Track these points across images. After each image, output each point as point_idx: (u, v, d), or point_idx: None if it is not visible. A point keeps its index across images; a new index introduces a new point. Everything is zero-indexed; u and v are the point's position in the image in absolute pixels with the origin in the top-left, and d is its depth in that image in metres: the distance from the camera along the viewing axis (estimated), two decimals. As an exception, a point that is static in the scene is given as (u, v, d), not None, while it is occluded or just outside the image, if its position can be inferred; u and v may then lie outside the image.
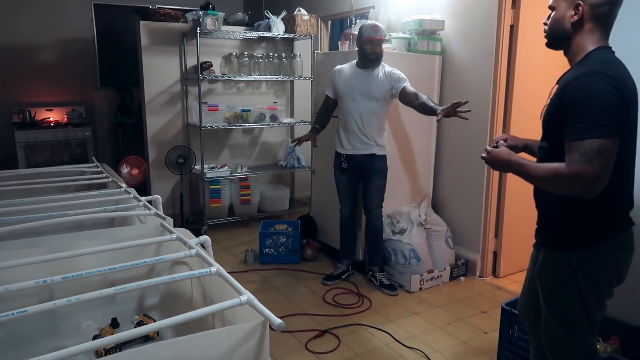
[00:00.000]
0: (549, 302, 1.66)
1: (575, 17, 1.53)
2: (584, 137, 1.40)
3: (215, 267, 1.62)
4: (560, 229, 1.62)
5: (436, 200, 3.96)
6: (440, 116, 2.86)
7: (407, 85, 3.19)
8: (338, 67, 3.37)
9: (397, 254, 3.49)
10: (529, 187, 3.98)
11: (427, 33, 3.70)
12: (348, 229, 3.58)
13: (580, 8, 1.52)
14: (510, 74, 3.45)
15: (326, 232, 4.09)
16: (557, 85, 1.61)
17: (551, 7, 1.60)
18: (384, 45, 3.35)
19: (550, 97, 1.62)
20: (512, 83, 3.45)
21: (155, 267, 2.14)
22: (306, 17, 4.77)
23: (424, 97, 3.07)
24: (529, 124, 3.60)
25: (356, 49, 3.29)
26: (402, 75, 3.23)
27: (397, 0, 4.13)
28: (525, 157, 1.64)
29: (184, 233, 2.04)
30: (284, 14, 4.78)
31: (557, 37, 1.61)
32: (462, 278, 3.65)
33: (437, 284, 3.52)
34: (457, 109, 2.75)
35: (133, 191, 2.68)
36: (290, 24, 4.77)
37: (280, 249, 3.88)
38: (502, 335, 2.46)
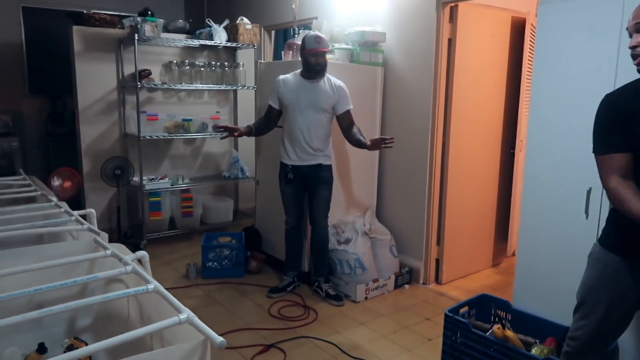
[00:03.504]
0: None
1: None
2: None
3: (153, 284, 1.54)
4: None
5: (380, 209, 4.00)
6: (369, 146, 3.15)
7: (350, 111, 3.28)
8: (282, 76, 3.33)
9: (342, 264, 3.49)
10: (469, 196, 4.08)
11: (369, 45, 3.75)
12: (294, 239, 3.54)
13: None
14: (450, 85, 3.56)
15: (271, 244, 4.03)
16: None
17: None
18: (327, 57, 3.37)
19: None
20: (451, 93, 3.56)
21: (88, 285, 2.02)
22: (249, 27, 4.73)
23: (355, 130, 3.26)
24: (467, 133, 3.74)
25: (300, 59, 3.29)
26: (349, 97, 3.28)
27: (340, 11, 4.17)
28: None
29: (119, 248, 1.94)
30: (226, 22, 4.71)
31: None
32: (406, 286, 3.69)
33: (382, 292, 3.54)
34: (383, 143, 3.07)
35: (64, 205, 2.53)
36: (232, 32, 4.71)
37: (223, 262, 3.77)
38: (445, 341, 2.49)
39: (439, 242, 3.75)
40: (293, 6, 4.01)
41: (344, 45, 3.75)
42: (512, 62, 3.89)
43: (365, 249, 3.51)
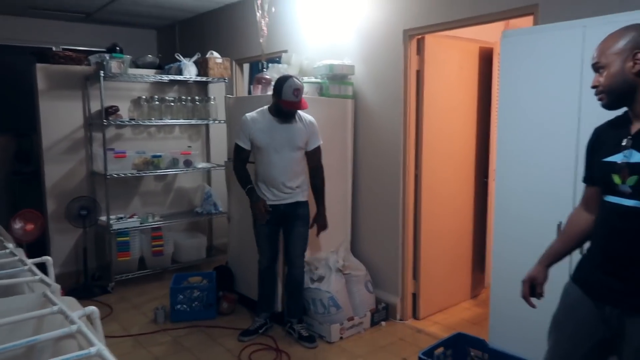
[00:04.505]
0: None
1: (638, 66, 1.47)
2: None
3: (96, 347, 1.41)
4: None
5: (355, 243, 3.91)
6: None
7: (320, 147, 3.26)
8: (249, 116, 3.18)
9: (316, 303, 3.38)
10: (444, 227, 4.01)
11: (339, 77, 3.73)
12: (267, 280, 3.41)
13: None
14: (420, 116, 3.54)
15: (244, 283, 3.90)
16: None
17: (600, 67, 1.54)
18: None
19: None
20: (421, 124, 3.54)
21: (37, 344, 1.88)
22: (219, 60, 4.69)
23: (318, 181, 3.30)
24: (440, 163, 3.71)
25: (269, 93, 3.22)
26: (319, 133, 3.25)
27: (309, 44, 4.17)
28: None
29: (69, 303, 1.80)
30: (196, 56, 4.67)
31: (621, 93, 1.52)
32: (383, 323, 3.58)
33: (358, 331, 3.42)
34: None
35: (20, 252, 2.38)
36: (203, 67, 4.67)
37: (193, 304, 3.62)
38: (421, 385, 2.39)
39: (415, 275, 3.67)
40: (260, 40, 3.98)
41: (313, 79, 3.72)
42: (482, 90, 3.90)
43: (340, 287, 3.40)
